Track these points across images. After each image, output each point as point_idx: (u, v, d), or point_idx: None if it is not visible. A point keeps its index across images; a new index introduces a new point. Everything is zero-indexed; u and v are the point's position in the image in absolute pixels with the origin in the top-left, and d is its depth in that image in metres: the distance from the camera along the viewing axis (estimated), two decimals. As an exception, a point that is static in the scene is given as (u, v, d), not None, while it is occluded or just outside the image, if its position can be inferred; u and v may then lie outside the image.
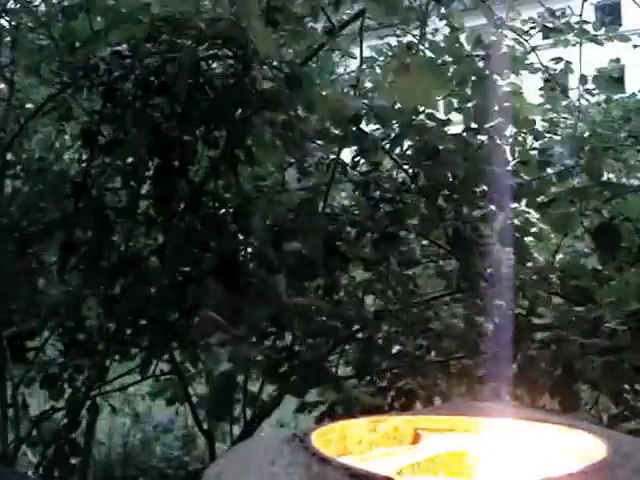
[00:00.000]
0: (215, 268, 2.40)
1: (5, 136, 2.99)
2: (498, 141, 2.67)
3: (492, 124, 2.60)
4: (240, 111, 2.59)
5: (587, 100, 3.37)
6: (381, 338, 2.43)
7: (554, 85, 3.12)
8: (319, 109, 2.44)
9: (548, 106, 3.17)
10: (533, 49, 2.93)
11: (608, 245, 2.17)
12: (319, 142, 2.66)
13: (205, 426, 3.00)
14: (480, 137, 2.62)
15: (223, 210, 2.70)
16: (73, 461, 2.77)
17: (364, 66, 3.05)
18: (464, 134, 2.55)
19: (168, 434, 4.35)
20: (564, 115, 3.31)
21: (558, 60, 3.14)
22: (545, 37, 3.53)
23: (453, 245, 2.34)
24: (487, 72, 2.65)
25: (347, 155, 2.72)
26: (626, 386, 2.00)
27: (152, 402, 3.71)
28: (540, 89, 3.17)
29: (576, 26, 3.20)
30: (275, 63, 2.58)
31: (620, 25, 17.33)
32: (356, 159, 2.69)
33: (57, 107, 2.93)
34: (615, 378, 1.88)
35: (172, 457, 4.16)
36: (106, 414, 3.08)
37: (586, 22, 3.20)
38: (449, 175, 2.43)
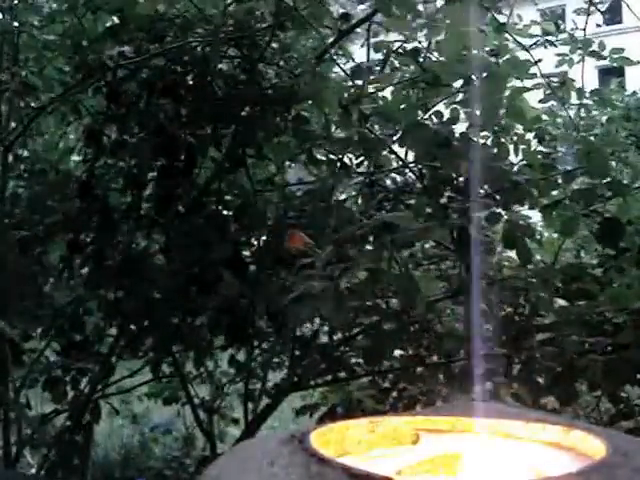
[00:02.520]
0: (223, 261, 2.41)
1: (9, 136, 3.00)
2: (502, 140, 2.68)
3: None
4: (249, 108, 2.60)
5: (585, 114, 3.34)
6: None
7: (554, 98, 3.11)
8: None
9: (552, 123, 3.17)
10: (536, 62, 2.92)
11: (610, 238, 2.18)
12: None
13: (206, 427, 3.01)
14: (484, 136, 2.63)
15: (227, 209, 2.71)
16: (76, 462, 2.78)
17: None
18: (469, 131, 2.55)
19: (167, 435, 4.35)
20: (562, 129, 3.30)
21: (561, 80, 3.12)
22: (548, 42, 3.51)
23: (457, 245, 2.35)
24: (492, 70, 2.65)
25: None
26: (627, 385, 2.00)
27: (151, 403, 3.72)
28: (540, 101, 3.16)
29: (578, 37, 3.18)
30: (282, 62, 2.60)
31: (620, 22, 17.23)
32: (360, 159, 2.69)
33: (62, 106, 2.94)
34: (616, 377, 1.88)
35: (171, 458, 4.16)
36: (104, 416, 3.08)
37: (591, 40, 3.18)
38: (454, 174, 2.43)
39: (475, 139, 2.57)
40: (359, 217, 2.54)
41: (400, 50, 2.81)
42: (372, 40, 2.96)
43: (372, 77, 2.67)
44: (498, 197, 2.41)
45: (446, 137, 2.43)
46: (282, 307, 2.03)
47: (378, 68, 2.86)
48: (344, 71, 2.66)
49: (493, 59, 2.74)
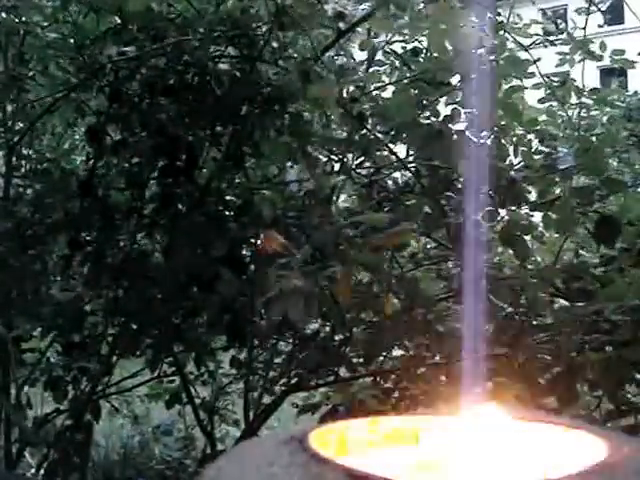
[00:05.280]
0: (222, 259, 2.41)
1: (14, 135, 3.01)
2: (502, 140, 2.68)
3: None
4: (247, 107, 2.60)
5: (584, 112, 3.32)
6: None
7: (554, 97, 3.10)
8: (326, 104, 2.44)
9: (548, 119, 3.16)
10: (535, 61, 2.91)
11: (607, 236, 2.19)
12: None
13: (207, 427, 3.01)
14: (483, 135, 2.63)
15: (227, 208, 2.71)
16: (76, 462, 2.78)
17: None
18: (467, 131, 2.55)
19: (167, 436, 4.35)
20: (563, 128, 3.29)
21: (562, 80, 3.11)
22: (548, 41, 3.51)
23: (455, 243, 2.35)
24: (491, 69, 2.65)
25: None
26: (626, 383, 2.00)
27: (151, 403, 3.72)
28: (539, 100, 3.16)
29: (579, 37, 3.18)
30: (281, 62, 2.59)
31: (622, 22, 17.23)
32: (360, 160, 2.70)
33: (65, 105, 2.95)
34: (615, 375, 1.89)
35: (171, 459, 4.16)
36: (104, 415, 3.08)
37: (590, 40, 3.17)
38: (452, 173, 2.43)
39: (473, 137, 2.57)
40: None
41: (387, 49, 2.82)
42: (360, 39, 2.97)
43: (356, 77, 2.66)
44: (496, 196, 2.42)
45: (439, 130, 2.43)
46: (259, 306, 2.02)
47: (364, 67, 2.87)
48: (334, 71, 2.65)
49: (490, 57, 2.74)
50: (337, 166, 2.76)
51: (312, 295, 1.77)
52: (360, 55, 3.08)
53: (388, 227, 2.35)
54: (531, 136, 2.86)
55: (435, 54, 2.60)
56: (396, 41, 2.94)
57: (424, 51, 2.79)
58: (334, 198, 2.72)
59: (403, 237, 2.05)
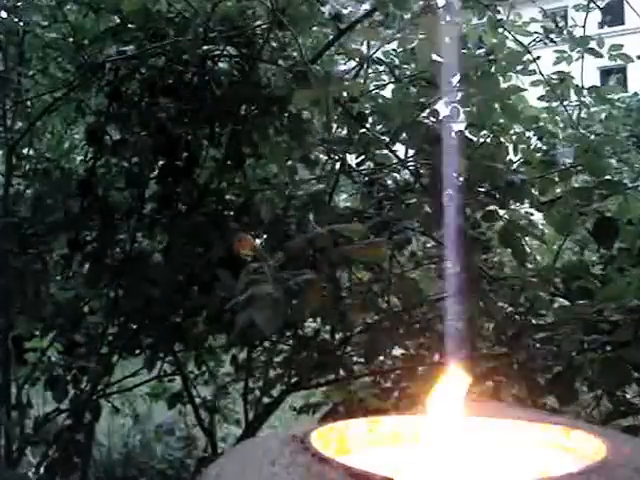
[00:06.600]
0: (221, 260, 2.41)
1: (14, 135, 3.01)
2: (502, 139, 2.68)
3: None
4: (246, 108, 2.60)
5: (585, 112, 3.32)
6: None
7: (553, 96, 3.10)
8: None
9: (546, 115, 3.16)
10: (534, 60, 2.91)
11: (605, 237, 2.20)
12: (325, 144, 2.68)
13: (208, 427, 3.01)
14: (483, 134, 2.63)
15: (227, 208, 2.71)
16: (76, 461, 2.78)
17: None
18: (466, 131, 2.56)
19: (169, 435, 4.35)
20: (562, 126, 3.29)
21: (560, 77, 3.11)
22: (548, 39, 3.52)
23: (455, 244, 2.35)
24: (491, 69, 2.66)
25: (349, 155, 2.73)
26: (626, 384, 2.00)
27: (153, 403, 3.72)
28: (539, 98, 3.16)
29: (578, 35, 3.18)
30: (281, 62, 2.59)
31: (622, 23, 17.20)
32: (360, 159, 2.70)
33: (65, 104, 2.95)
34: (614, 375, 1.89)
35: (173, 458, 4.16)
36: (106, 415, 3.08)
37: (590, 37, 3.17)
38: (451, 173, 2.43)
39: (472, 137, 2.58)
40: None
41: (377, 57, 2.83)
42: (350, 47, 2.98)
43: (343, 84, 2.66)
44: (497, 196, 2.42)
45: (438, 134, 2.43)
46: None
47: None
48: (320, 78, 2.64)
49: (489, 57, 2.75)
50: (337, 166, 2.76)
51: (280, 302, 1.73)
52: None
53: (391, 226, 2.34)
54: (530, 134, 2.86)
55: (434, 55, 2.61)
56: (394, 39, 2.94)
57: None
58: (332, 198, 2.72)
59: (374, 251, 2.03)
